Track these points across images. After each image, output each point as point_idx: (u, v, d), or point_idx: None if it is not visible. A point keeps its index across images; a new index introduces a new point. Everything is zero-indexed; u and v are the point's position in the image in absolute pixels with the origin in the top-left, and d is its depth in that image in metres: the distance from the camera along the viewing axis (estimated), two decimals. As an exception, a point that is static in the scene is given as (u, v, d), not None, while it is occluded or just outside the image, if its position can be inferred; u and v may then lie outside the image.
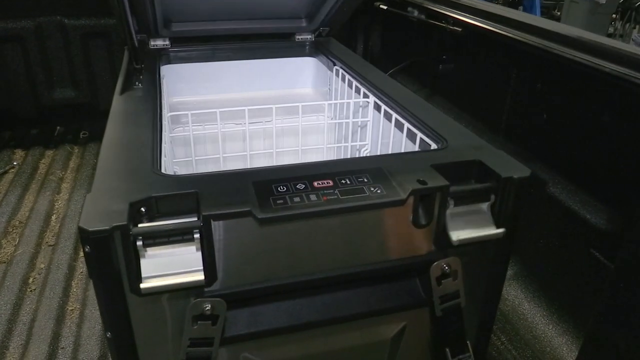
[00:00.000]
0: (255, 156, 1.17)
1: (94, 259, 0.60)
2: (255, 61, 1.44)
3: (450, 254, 0.74)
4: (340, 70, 1.24)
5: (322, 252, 0.69)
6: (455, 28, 1.46)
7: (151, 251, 0.63)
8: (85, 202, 0.63)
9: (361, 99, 1.11)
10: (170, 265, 0.63)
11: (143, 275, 0.62)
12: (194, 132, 1.01)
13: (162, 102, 1.02)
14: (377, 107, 1.08)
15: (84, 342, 1.15)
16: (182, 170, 1.13)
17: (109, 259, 0.60)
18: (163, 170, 0.75)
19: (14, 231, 1.53)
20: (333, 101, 1.29)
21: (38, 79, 2.15)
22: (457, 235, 0.72)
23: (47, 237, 1.52)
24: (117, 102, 0.97)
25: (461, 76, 1.65)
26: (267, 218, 0.62)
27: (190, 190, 0.66)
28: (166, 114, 0.97)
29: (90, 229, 0.58)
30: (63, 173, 1.92)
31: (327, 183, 0.69)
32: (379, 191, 0.67)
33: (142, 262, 0.62)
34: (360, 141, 1.15)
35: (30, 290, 1.30)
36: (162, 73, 1.25)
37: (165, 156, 0.81)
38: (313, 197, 0.66)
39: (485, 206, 0.75)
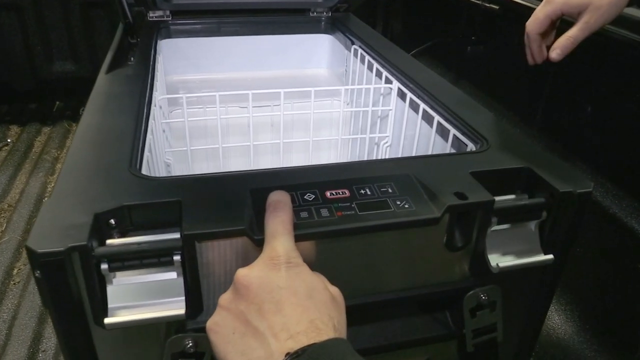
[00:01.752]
0: (261, 148, 1.04)
1: (47, 286, 0.47)
2: (265, 37, 1.30)
3: (488, 281, 0.61)
4: (359, 50, 1.09)
5: (334, 278, 0.56)
6: (491, 6, 1.29)
7: (121, 276, 0.51)
8: (40, 212, 0.50)
9: (382, 85, 0.97)
10: (144, 294, 0.51)
11: (109, 305, 0.50)
12: (190, 119, 0.87)
13: (155, 82, 0.89)
14: (401, 95, 0.93)
15: (68, 345, 1.04)
16: (176, 163, 1.01)
17: (66, 287, 0.48)
18: (144, 169, 0.62)
19: (2, 215, 1.43)
20: (350, 86, 1.15)
21: (36, 51, 2.02)
22: (498, 261, 0.59)
23: (37, 223, 1.41)
24: (101, 83, 0.84)
25: (492, 60, 1.49)
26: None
27: (172, 198, 0.53)
28: (157, 97, 0.84)
29: (38, 251, 0.45)
30: (58, 152, 1.81)
31: (343, 193, 0.55)
32: (406, 206, 0.54)
33: (109, 289, 0.50)
34: (380, 133, 1.01)
35: (14, 283, 1.20)
36: (159, 48, 1.11)
37: (149, 151, 0.68)
38: (325, 211, 0.53)
39: (533, 225, 0.61)
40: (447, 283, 0.61)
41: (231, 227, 0.49)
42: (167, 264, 0.50)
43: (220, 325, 0.44)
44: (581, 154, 1.13)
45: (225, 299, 0.45)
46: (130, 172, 0.57)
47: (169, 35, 1.22)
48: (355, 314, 0.61)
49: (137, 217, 0.53)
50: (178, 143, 1.00)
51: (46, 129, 1.98)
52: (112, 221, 0.52)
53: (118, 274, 0.50)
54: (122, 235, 0.53)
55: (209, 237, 0.49)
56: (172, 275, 0.51)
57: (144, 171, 0.61)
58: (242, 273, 0.44)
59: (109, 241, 0.51)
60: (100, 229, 0.51)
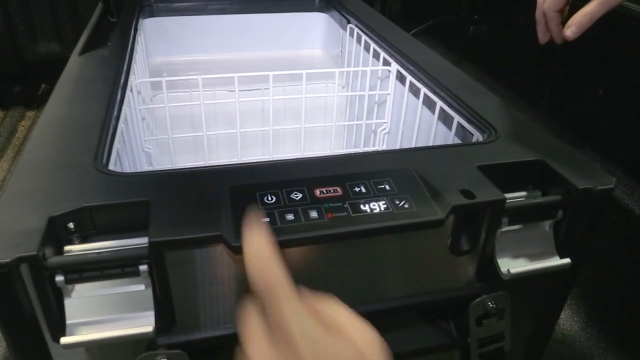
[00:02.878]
0: (250, 138, 0.98)
1: (-7, 301, 0.41)
2: (255, 15, 1.22)
3: (496, 286, 0.55)
4: (356, 30, 1.02)
5: (324, 286, 0.50)
6: (496, -19, 1.21)
7: (80, 288, 0.44)
8: (-13, 215, 0.44)
9: (380, 67, 0.90)
10: (108, 308, 0.44)
11: (68, 321, 0.44)
12: (171, 104, 0.80)
13: (133, 65, 0.82)
14: (401, 78, 0.86)
15: None
16: (162, 155, 0.94)
17: (16, 302, 0.42)
18: (114, 164, 0.56)
19: (-18, 205, 1.36)
20: (345, 69, 1.08)
21: (18, 32, 1.93)
22: (508, 266, 0.53)
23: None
24: (72, 67, 0.77)
25: (496, 40, 1.42)
26: (245, 247, 0.43)
27: (140, 197, 0.47)
28: (134, 81, 0.76)
29: (-21, 263, 0.39)
30: (43, 138, 1.73)
31: (334, 191, 0.49)
32: (406, 206, 0.48)
33: (67, 303, 0.44)
34: (377, 118, 0.94)
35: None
36: (141, 28, 1.04)
37: (121, 142, 0.61)
38: (313, 213, 0.46)
39: (547, 225, 0.55)
40: (451, 290, 0.55)
41: (206, 232, 0.43)
42: (133, 275, 0.43)
43: None
44: (590, 141, 1.07)
45: None
46: (95, 168, 0.51)
47: (152, 14, 1.15)
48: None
49: (100, 220, 0.46)
50: (162, 133, 0.93)
51: (30, 113, 1.90)
52: (71, 225, 0.45)
53: (77, 286, 0.44)
54: (84, 240, 0.47)
55: (179, 244, 0.42)
56: (140, 286, 0.45)
57: (113, 166, 0.55)
58: None
59: (67, 247, 0.45)
60: (56, 234, 0.44)
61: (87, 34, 0.91)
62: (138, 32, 0.97)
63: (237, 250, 0.42)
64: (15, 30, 1.91)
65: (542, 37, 0.71)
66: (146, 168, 0.82)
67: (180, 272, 0.45)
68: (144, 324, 0.44)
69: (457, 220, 0.50)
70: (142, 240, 0.43)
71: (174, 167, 0.86)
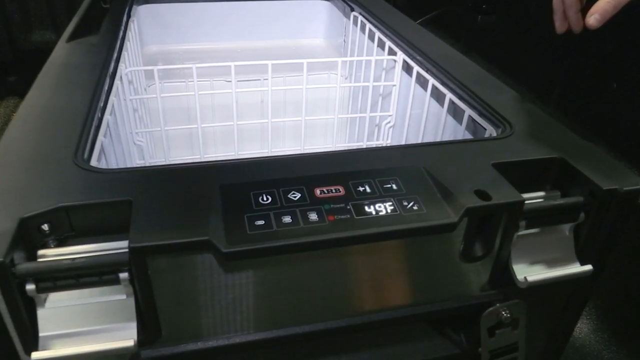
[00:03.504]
0: (248, 132, 0.93)
1: (-44, 312, 0.37)
2: (255, 3, 1.17)
3: (510, 294, 0.51)
4: (360, 18, 0.97)
5: (324, 295, 0.46)
6: (506, -32, 1.16)
7: (55, 297, 0.40)
8: (-50, 217, 0.40)
9: (386, 57, 0.85)
10: (86, 319, 0.40)
11: (40, 334, 0.40)
12: (164, 95, 0.76)
13: (123, 53, 0.77)
14: (407, 68, 0.82)
15: None
16: (153, 145, 0.90)
17: (-18, 312, 0.38)
18: (98, 159, 0.51)
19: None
20: (348, 58, 1.03)
21: (13, 20, 1.88)
22: (525, 273, 0.48)
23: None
24: (58, 54, 0.72)
25: (505, 31, 1.36)
26: (236, 253, 0.38)
27: (122, 196, 0.42)
28: (124, 70, 0.72)
29: (-62, 271, 0.35)
30: (37, 129, 1.69)
31: (336, 191, 0.45)
32: (415, 207, 0.43)
33: (40, 314, 0.40)
34: (381, 111, 0.90)
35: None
36: (135, 14, 0.99)
37: (106, 135, 0.57)
38: (313, 215, 0.42)
39: (567, 229, 0.51)
40: (461, 298, 0.51)
41: (193, 237, 0.39)
42: (112, 283, 0.39)
43: None
44: (604, 137, 1.02)
45: None
46: (75, 164, 0.47)
47: (147, 0, 1.10)
48: (353, 336, 0.52)
49: (78, 221, 0.42)
50: (157, 125, 0.89)
51: (26, 104, 1.86)
52: (46, 227, 0.41)
53: (51, 294, 0.40)
54: (61, 244, 0.42)
55: (163, 250, 0.38)
56: (121, 295, 0.41)
57: (96, 161, 0.50)
58: None
59: (41, 252, 0.41)
60: (28, 237, 0.40)
61: (77, 19, 0.86)
62: (131, 19, 0.93)
63: (227, 257, 0.38)
64: (9, 19, 1.86)
65: (560, 26, 0.66)
66: (138, 162, 0.78)
67: (165, 280, 0.40)
68: (126, 336, 0.40)
69: (471, 224, 0.46)
70: (125, 244, 0.39)
71: (167, 162, 0.81)
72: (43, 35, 1.94)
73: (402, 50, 0.81)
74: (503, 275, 0.49)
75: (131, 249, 0.37)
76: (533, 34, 1.22)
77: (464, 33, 1.52)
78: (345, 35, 1.09)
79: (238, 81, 1.01)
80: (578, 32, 0.63)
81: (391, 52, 0.84)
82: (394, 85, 0.84)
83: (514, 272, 0.48)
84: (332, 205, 0.43)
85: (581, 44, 1.07)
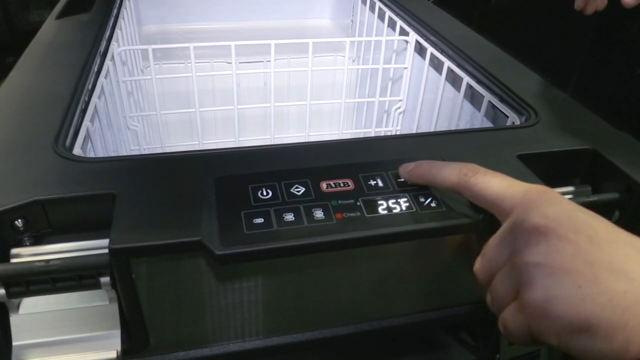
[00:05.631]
0: (248, 116, 0.88)
1: None
2: (260, -19, 1.12)
3: (535, 298, 0.47)
4: (369, -4, 0.91)
5: (330, 298, 0.42)
6: (525, -57, 1.09)
7: (29, 303, 0.36)
8: None
9: (397, 37, 0.80)
10: (66, 326, 0.36)
11: (14, 342, 0.36)
12: (159, 76, 0.71)
13: (117, 31, 0.72)
14: (420, 50, 0.76)
15: None
16: (151, 132, 0.85)
17: (-54, 320, 0.34)
18: (82, 146, 0.47)
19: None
20: (357, 38, 0.97)
21: (10, -1, 1.83)
22: (554, 275, 0.44)
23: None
24: (46, 31, 0.67)
25: (520, 11, 1.30)
26: (231, 255, 0.34)
27: (104, 190, 0.38)
28: (116, 49, 0.67)
29: None
30: (35, 112, 1.64)
31: (345, 185, 0.40)
32: (433, 204, 0.39)
33: (13, 321, 0.35)
34: (391, 96, 0.84)
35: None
36: (131, -9, 0.93)
37: (93, 120, 0.52)
38: (319, 212, 0.37)
39: (599, 227, 0.46)
40: (479, 302, 0.46)
41: (183, 237, 0.34)
42: (92, 287, 0.35)
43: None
44: (626, 126, 0.96)
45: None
46: (55, 152, 0.42)
47: (145, -24, 1.04)
48: (362, 343, 0.48)
49: (56, 216, 0.38)
50: (154, 110, 0.84)
51: (24, 86, 1.81)
52: (20, 222, 0.37)
53: (25, 300, 0.36)
54: (38, 241, 0.38)
55: (148, 252, 0.34)
56: (103, 301, 0.36)
57: (79, 149, 0.46)
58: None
59: (15, 250, 0.36)
60: (0, 234, 0.36)
61: (68, -4, 0.81)
62: (126, -4, 0.87)
63: (221, 260, 0.34)
64: (6, -2, 1.81)
65: (589, 7, 0.60)
66: (133, 148, 0.73)
67: (152, 284, 0.36)
68: (109, 346, 0.36)
69: (494, 223, 0.41)
70: (102, 245, 0.35)
71: (162, 149, 0.77)
72: (41, 15, 1.88)
73: (414, 30, 0.76)
74: (528, 278, 0.44)
75: (112, 251, 0.33)
76: (550, 15, 1.16)
77: (477, 14, 1.45)
78: (353, 15, 1.03)
79: (240, 63, 0.96)
80: (600, 10, 0.57)
81: (403, 33, 0.78)
82: (406, 68, 0.79)
83: (540, 276, 0.44)
84: (340, 201, 0.38)
85: (602, 26, 1.01)
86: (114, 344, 0.36)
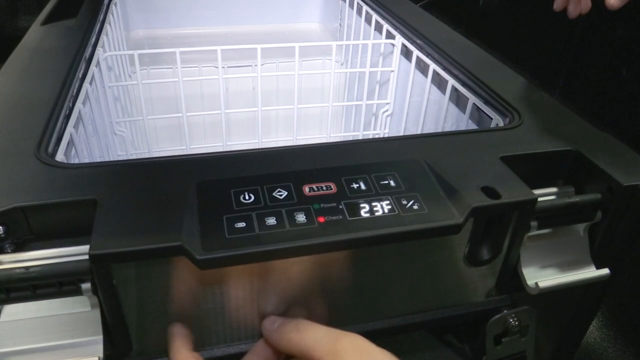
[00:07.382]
0: (235, 120, 0.88)
1: None
2: (248, -15, 1.12)
3: (519, 300, 0.47)
4: (356, 0, 0.91)
5: (315, 304, 0.42)
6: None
7: (10, 310, 0.36)
8: None
9: (383, 40, 0.80)
10: (48, 333, 0.36)
11: (-6, 350, 0.35)
12: (145, 81, 0.71)
13: (102, 36, 0.72)
14: (406, 53, 0.77)
15: None
16: (138, 137, 0.85)
17: None
18: (65, 152, 0.47)
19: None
20: (344, 42, 0.98)
21: (-1, 4, 1.82)
22: (536, 278, 0.44)
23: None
24: (30, 37, 0.67)
25: (508, 14, 1.31)
26: (212, 260, 0.34)
27: (86, 195, 0.38)
28: (101, 55, 0.67)
29: None
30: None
31: (327, 188, 0.40)
32: (416, 207, 0.39)
33: (-8, 328, 0.35)
34: (379, 99, 0.85)
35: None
36: (118, -4, 0.93)
37: (76, 126, 0.52)
38: (301, 216, 0.37)
39: (582, 229, 0.46)
40: (465, 305, 0.46)
41: (163, 242, 0.34)
42: (73, 294, 0.35)
43: None
44: (612, 127, 0.97)
45: None
46: (37, 158, 0.42)
47: (132, -18, 1.04)
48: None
49: (37, 223, 0.38)
50: (141, 115, 0.84)
51: (13, 92, 1.80)
52: (0, 229, 0.37)
53: (6, 307, 0.36)
54: (19, 248, 0.38)
55: (129, 258, 0.34)
56: (85, 307, 0.36)
57: (62, 155, 0.46)
58: None
59: (-3, 257, 0.36)
60: (-21, 242, 0.36)
61: (54, 1, 0.81)
62: (113, 1, 0.87)
63: (203, 264, 0.34)
64: (-5, 3, 1.80)
65: (574, 10, 0.61)
66: (119, 154, 0.73)
67: (134, 290, 0.36)
68: (91, 352, 0.36)
69: (477, 225, 0.41)
70: (83, 251, 0.35)
71: (149, 154, 0.77)
72: (30, 21, 1.87)
73: (400, 34, 0.76)
74: (511, 280, 0.45)
75: (92, 257, 0.33)
76: (537, 18, 1.17)
77: (465, 17, 1.46)
78: (341, 19, 1.04)
79: (229, 67, 0.96)
80: (584, 14, 0.58)
81: (389, 36, 0.79)
82: (392, 71, 0.79)
83: (524, 277, 0.44)
84: (322, 205, 0.38)
85: (588, 29, 1.02)
86: (97, 350, 0.36)
